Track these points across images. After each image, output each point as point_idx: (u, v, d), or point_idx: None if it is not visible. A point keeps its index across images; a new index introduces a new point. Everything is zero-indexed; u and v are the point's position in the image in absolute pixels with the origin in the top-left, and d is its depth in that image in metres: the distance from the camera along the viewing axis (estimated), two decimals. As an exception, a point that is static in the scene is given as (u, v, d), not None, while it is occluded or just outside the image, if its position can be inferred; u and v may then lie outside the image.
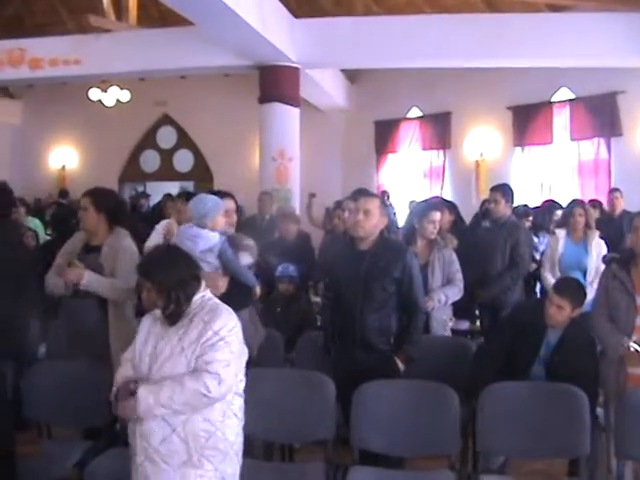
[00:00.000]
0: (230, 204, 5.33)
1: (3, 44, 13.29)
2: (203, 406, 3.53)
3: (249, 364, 3.83)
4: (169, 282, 3.58)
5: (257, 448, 5.05)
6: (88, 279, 5.04)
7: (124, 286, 5.12)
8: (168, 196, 11.31)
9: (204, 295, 3.70)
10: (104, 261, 5.19)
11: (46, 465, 4.53)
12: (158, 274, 3.60)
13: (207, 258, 4.75)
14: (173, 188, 15.48)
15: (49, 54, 12.79)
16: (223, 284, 4.78)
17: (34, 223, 10.07)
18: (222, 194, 5.34)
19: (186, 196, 8.08)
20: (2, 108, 18.38)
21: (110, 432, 4.78)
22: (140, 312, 5.24)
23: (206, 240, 4.78)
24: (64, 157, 18.33)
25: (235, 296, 4.70)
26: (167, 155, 18.19)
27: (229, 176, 15.63)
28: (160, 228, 7.81)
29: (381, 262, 5.07)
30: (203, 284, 3.73)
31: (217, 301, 3.72)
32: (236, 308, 3.81)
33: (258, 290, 5.20)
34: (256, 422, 4.03)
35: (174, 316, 3.61)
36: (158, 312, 3.68)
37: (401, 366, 5.03)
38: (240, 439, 3.74)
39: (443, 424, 4.49)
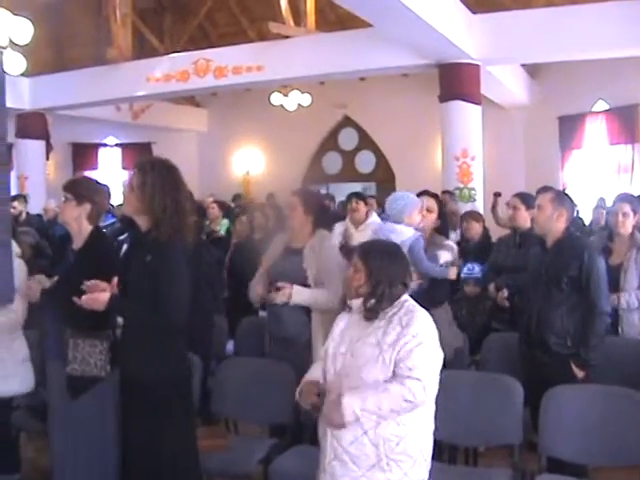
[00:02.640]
0: (431, 203, 5.29)
1: (190, 56, 13.86)
2: (406, 412, 3.47)
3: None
4: (382, 274, 3.55)
5: (441, 451, 4.98)
6: (294, 299, 5.00)
7: (330, 296, 4.89)
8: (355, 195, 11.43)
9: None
10: (307, 266, 5.12)
11: (233, 460, 4.64)
12: (376, 261, 3.58)
13: None
14: (355, 189, 15.58)
15: (233, 62, 13.18)
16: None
17: (225, 226, 10.36)
18: (425, 194, 5.32)
19: (357, 196, 8.10)
20: (189, 116, 19.14)
21: (295, 429, 4.84)
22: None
23: (399, 234, 4.79)
24: (248, 161, 18.84)
25: (430, 293, 4.68)
26: (349, 156, 18.35)
27: (411, 176, 15.50)
28: (337, 230, 7.82)
29: (559, 259, 4.91)
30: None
31: (413, 302, 3.64)
32: (430, 305, 3.76)
33: None
34: (441, 424, 3.95)
35: (372, 311, 3.56)
36: (355, 305, 3.67)
37: (577, 372, 4.81)
38: (430, 444, 3.67)
39: (638, 434, 4.25)
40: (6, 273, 2.05)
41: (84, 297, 3.82)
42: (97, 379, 4.23)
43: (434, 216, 5.32)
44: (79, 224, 4.42)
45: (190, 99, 18.89)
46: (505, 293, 5.94)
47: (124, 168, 18.55)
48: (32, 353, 5.06)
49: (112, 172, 18.19)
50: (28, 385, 5.04)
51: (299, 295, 5.00)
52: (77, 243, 4.45)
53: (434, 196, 5.53)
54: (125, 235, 4.52)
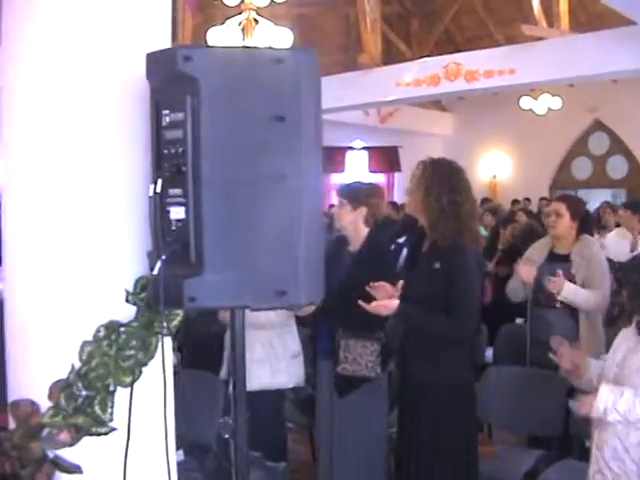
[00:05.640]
0: None
1: (440, 60, 13.93)
2: None
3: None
4: None
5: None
6: (566, 290, 4.90)
7: (599, 297, 4.99)
8: (606, 204, 11.08)
9: None
10: (576, 271, 5.02)
11: (498, 469, 4.54)
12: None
13: None
14: (605, 196, 15.07)
15: (484, 66, 13.09)
16: None
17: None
18: None
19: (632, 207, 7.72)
20: (435, 120, 19.22)
21: (562, 442, 4.71)
22: (609, 322, 5.13)
23: None
24: (495, 166, 18.66)
25: None
26: (599, 162, 17.74)
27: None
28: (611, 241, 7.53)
29: None
30: None
31: None
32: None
33: None
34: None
35: None
36: None
37: None
38: None
39: None
40: (319, 272, 2.13)
41: (374, 304, 3.89)
42: (366, 379, 4.34)
43: None
44: (355, 227, 4.55)
45: (436, 103, 18.96)
46: None
47: (371, 171, 18.93)
48: (304, 349, 5.22)
49: (359, 175, 18.52)
50: (296, 380, 5.19)
51: (570, 290, 4.87)
52: (354, 246, 4.57)
53: None
54: (404, 238, 4.58)
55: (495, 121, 18.02)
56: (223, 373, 5.03)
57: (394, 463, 4.27)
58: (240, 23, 9.12)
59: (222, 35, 8.85)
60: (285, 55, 2.07)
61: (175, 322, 2.47)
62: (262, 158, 2.03)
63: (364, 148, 19.24)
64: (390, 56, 16.22)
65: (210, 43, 8.58)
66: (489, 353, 6.39)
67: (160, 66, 2.13)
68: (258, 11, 9.18)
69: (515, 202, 15.10)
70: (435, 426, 3.90)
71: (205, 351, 5.50)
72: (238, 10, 9.17)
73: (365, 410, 4.42)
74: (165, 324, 2.39)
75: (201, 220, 2.01)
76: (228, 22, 9.01)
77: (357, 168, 19.04)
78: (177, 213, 2.07)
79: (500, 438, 5.54)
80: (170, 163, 2.08)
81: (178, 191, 2.06)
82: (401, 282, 3.93)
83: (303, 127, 2.05)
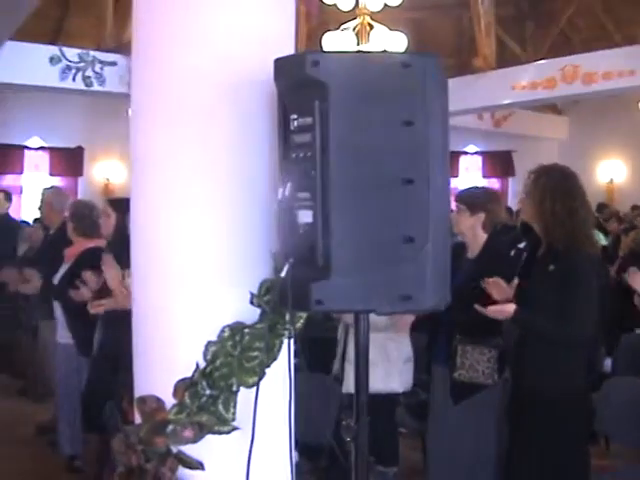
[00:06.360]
0: None
1: (557, 62, 13.61)
2: None
3: None
4: None
5: None
6: None
7: None
8: None
9: None
10: None
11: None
12: None
13: None
14: None
15: (602, 68, 12.75)
16: None
17: (598, 237, 10.11)
18: None
19: None
20: (550, 124, 18.79)
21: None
22: None
23: None
24: (612, 171, 18.18)
25: None
26: None
27: None
28: None
29: None
30: None
31: None
32: None
33: None
34: None
35: None
36: None
37: None
38: None
39: None
40: (445, 277, 2.12)
41: (491, 308, 3.88)
42: (482, 386, 4.29)
43: None
44: (474, 233, 4.51)
45: (551, 106, 18.55)
46: None
47: (484, 176, 18.69)
48: (418, 355, 5.18)
49: (473, 180, 18.27)
50: (406, 385, 5.18)
51: None
52: (472, 252, 4.54)
53: None
54: (524, 243, 4.52)
55: (612, 124, 17.47)
56: (336, 368, 5.05)
57: (504, 471, 4.19)
58: (355, 28, 9.13)
59: (337, 40, 8.88)
60: (412, 59, 2.07)
61: (298, 324, 2.50)
62: (390, 162, 2.03)
63: (478, 153, 19.01)
64: (504, 59, 15.97)
65: (325, 48, 8.63)
66: (608, 363, 6.24)
67: (288, 71, 2.15)
68: (372, 16, 9.19)
69: (635, 208, 14.68)
70: (547, 435, 3.81)
71: (319, 350, 5.52)
72: (352, 15, 9.19)
73: (479, 417, 4.36)
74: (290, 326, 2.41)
75: (329, 224, 2.02)
76: (343, 27, 9.03)
77: (471, 173, 18.82)
78: (305, 216, 2.09)
79: (618, 452, 5.41)
80: (298, 167, 2.10)
81: (306, 195, 2.08)
82: (515, 281, 3.89)
83: (430, 131, 2.04)
